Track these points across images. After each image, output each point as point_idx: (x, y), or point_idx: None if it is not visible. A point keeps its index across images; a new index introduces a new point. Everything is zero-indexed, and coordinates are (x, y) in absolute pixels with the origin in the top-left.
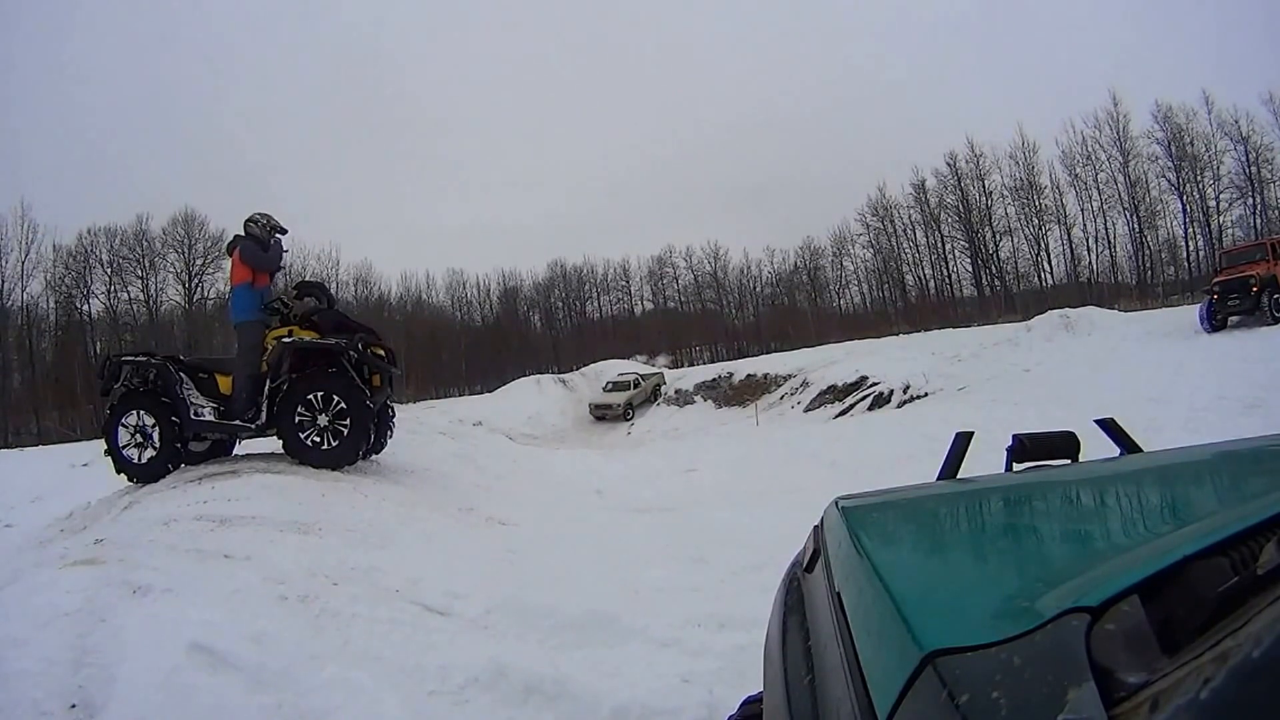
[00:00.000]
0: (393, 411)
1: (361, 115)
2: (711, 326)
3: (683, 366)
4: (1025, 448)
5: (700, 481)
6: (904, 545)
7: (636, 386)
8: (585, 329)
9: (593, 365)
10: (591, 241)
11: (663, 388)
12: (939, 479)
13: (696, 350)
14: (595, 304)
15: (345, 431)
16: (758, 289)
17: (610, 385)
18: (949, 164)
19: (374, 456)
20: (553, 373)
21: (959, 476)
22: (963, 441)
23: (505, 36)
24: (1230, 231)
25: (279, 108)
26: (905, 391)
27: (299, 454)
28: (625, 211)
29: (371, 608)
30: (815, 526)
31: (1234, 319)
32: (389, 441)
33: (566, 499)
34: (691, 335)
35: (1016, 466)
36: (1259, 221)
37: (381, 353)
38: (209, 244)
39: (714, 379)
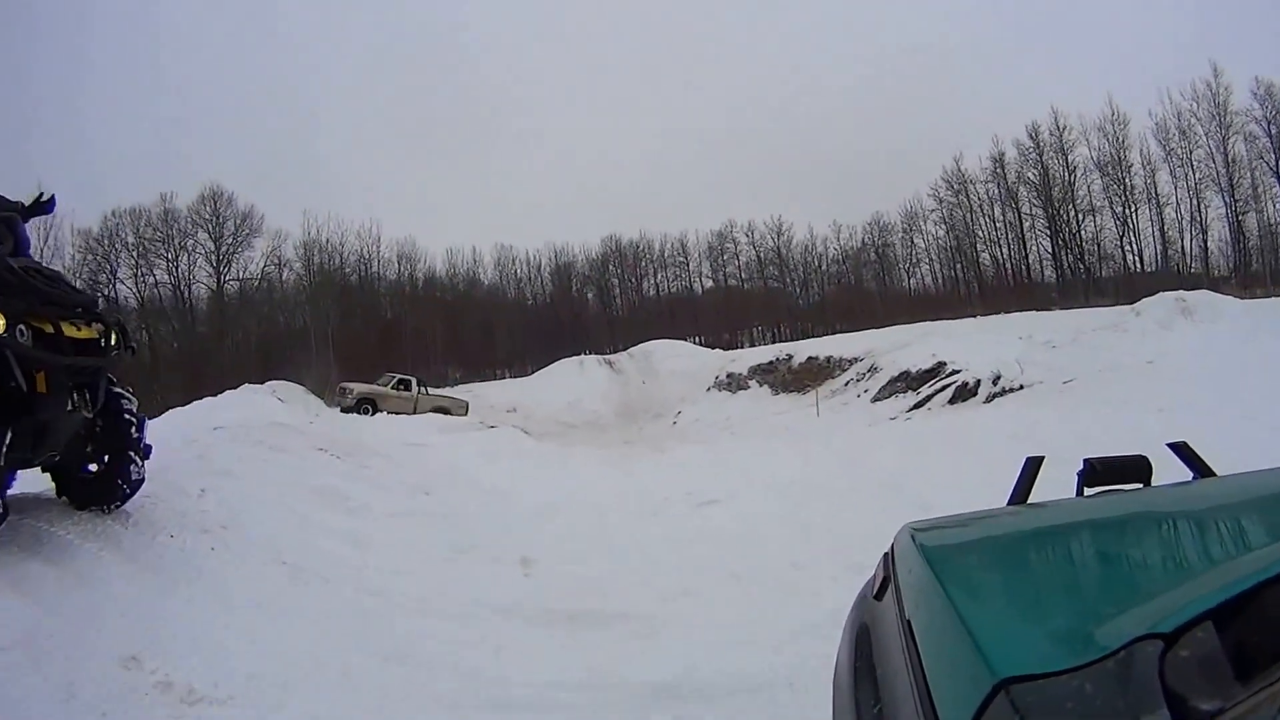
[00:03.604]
0: (134, 425)
1: (404, 85)
2: (774, 306)
3: (743, 347)
4: (1096, 471)
5: (714, 529)
6: (975, 571)
7: (402, 388)
8: (642, 308)
9: (641, 346)
10: (648, 216)
11: (453, 415)
12: (1009, 504)
13: (758, 331)
14: (652, 281)
15: None
16: (823, 267)
17: (388, 380)
18: (1031, 136)
19: (118, 505)
20: (608, 354)
21: (1029, 502)
22: (1033, 466)
23: (560, 7)
24: None
25: (315, 77)
26: (995, 383)
27: None
28: (683, 184)
29: None
30: (885, 553)
31: None
32: (137, 477)
33: (448, 591)
34: (752, 315)
35: (1087, 491)
36: None
37: (49, 329)
38: (239, 221)
39: (770, 362)
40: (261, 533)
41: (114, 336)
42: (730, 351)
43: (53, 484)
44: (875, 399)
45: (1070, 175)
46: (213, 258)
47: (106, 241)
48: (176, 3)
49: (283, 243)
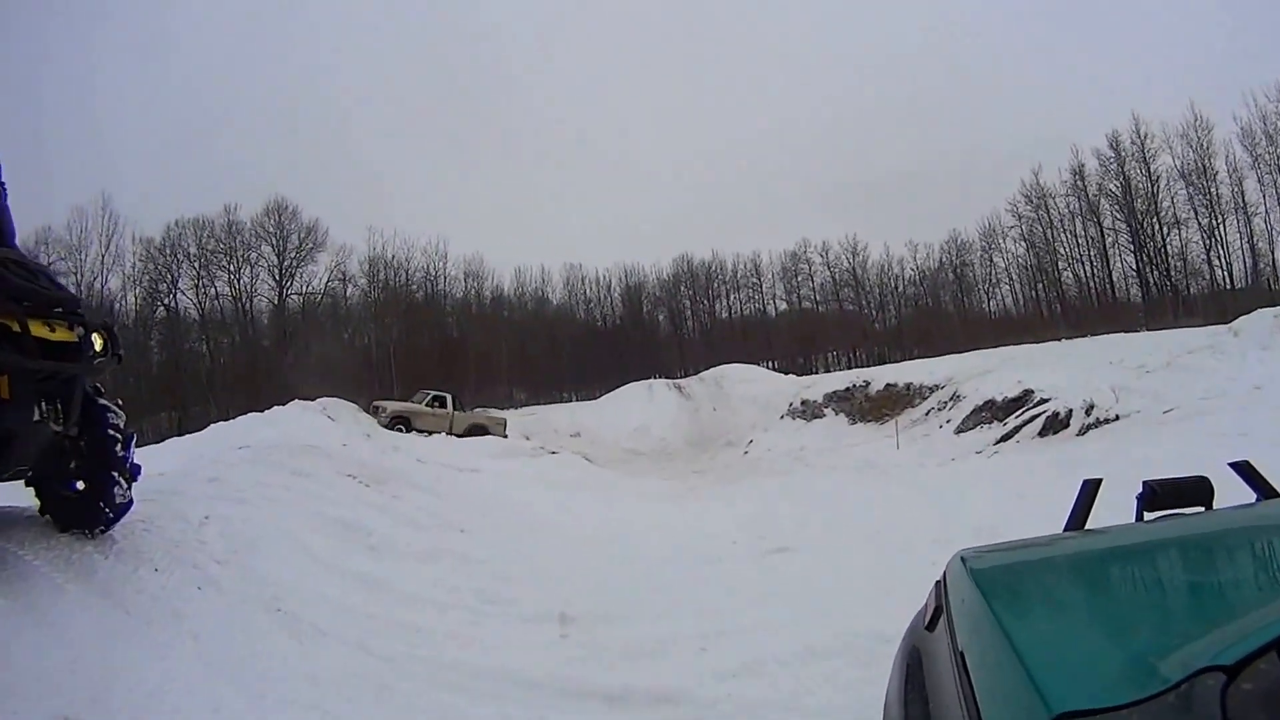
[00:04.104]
0: (119, 442)
1: (470, 102)
2: (849, 329)
3: (817, 372)
4: (1156, 495)
5: (785, 584)
6: (1031, 601)
7: (437, 405)
8: (714, 330)
9: (712, 370)
10: (720, 235)
11: (491, 434)
12: (1066, 529)
13: (833, 355)
14: (724, 303)
15: None
16: (899, 288)
17: (422, 397)
18: (1111, 145)
19: (102, 530)
20: (678, 378)
21: (1087, 528)
22: (1091, 489)
23: (628, 21)
24: None
25: (382, 93)
26: (1088, 413)
27: None
28: (756, 202)
29: None
30: (937, 582)
31: None
32: (121, 500)
33: (467, 654)
34: (827, 339)
35: (1148, 515)
36: None
37: (15, 327)
38: (303, 235)
39: (847, 389)
40: (262, 571)
41: (98, 342)
42: (805, 377)
43: (36, 501)
44: (959, 430)
45: (1153, 186)
46: (275, 271)
47: (168, 251)
48: (244, 19)
49: (347, 258)
